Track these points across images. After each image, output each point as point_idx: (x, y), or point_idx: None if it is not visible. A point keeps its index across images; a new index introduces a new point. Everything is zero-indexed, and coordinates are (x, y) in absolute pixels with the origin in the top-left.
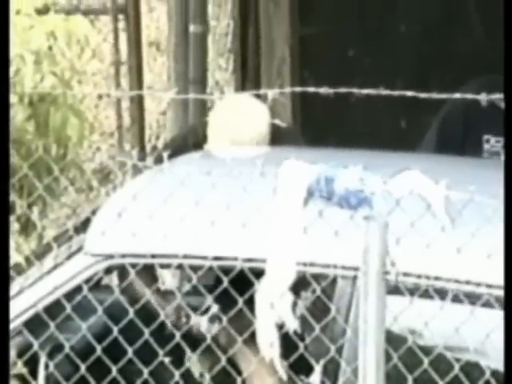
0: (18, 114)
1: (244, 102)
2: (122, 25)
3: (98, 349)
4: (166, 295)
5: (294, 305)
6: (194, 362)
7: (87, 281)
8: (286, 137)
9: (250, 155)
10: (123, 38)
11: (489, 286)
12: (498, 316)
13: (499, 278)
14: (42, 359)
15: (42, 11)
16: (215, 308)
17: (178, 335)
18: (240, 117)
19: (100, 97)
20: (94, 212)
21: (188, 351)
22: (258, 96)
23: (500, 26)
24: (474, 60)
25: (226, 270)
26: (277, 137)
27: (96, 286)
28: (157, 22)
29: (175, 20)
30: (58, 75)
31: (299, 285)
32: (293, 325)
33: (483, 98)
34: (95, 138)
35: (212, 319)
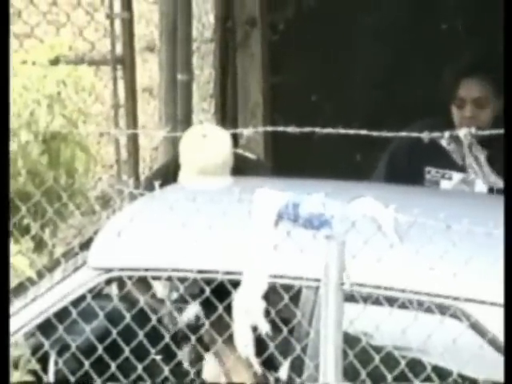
0: (33, 150)
1: (207, 130)
2: (120, 74)
3: (100, 348)
4: (158, 302)
5: (266, 311)
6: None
7: (90, 291)
8: (255, 168)
9: (226, 185)
10: (121, 84)
11: (430, 295)
12: (437, 320)
13: (439, 288)
14: (52, 357)
15: (54, 62)
16: (196, 306)
17: (167, 336)
18: (207, 144)
19: (101, 135)
20: (96, 232)
21: (181, 346)
22: (235, 134)
23: (439, 74)
24: (417, 104)
25: (208, 281)
26: (248, 167)
27: (98, 295)
28: (149, 71)
29: (165, 70)
30: (67, 116)
31: (270, 294)
32: (265, 328)
33: (425, 136)
34: (97, 170)
35: (191, 313)
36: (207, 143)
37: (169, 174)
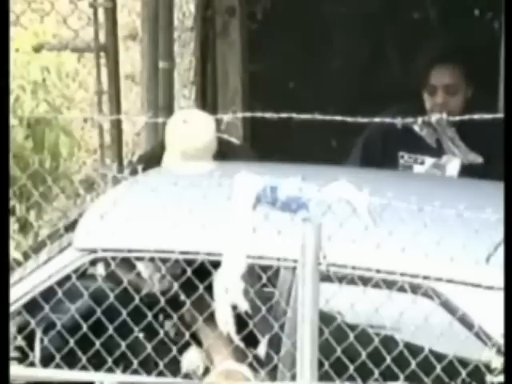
0: (18, 134)
1: (190, 115)
2: (103, 61)
3: (84, 326)
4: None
5: (245, 290)
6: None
7: (75, 271)
8: (239, 152)
9: (208, 170)
10: (104, 71)
11: (403, 274)
12: (409, 299)
13: (411, 268)
14: (38, 335)
15: (38, 49)
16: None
17: (149, 315)
18: (188, 128)
19: (85, 120)
20: (80, 215)
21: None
22: (216, 119)
23: (412, 62)
24: (391, 91)
25: (190, 262)
26: (231, 152)
27: (82, 275)
28: (132, 59)
29: (147, 57)
30: (51, 102)
31: (249, 274)
32: (244, 306)
33: (398, 121)
34: (82, 154)
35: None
36: (189, 128)
37: (154, 158)
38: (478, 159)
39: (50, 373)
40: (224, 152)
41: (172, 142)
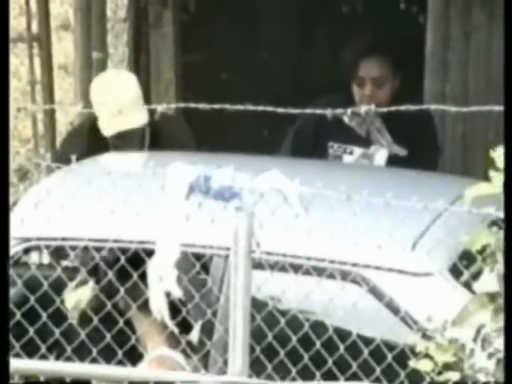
0: None
1: (113, 73)
2: (36, 51)
3: (18, 314)
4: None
5: (179, 278)
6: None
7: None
8: (172, 122)
9: (140, 159)
10: (37, 62)
11: (332, 262)
12: (339, 285)
13: (341, 255)
14: None
15: None
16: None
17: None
18: (115, 83)
19: (19, 110)
20: (14, 204)
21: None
22: (149, 110)
23: (340, 54)
24: (321, 82)
25: (124, 251)
26: (165, 122)
27: (16, 263)
28: (65, 49)
29: (80, 48)
30: None
31: (182, 261)
32: (177, 293)
33: (328, 112)
34: (15, 144)
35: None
36: (117, 83)
37: (80, 135)
38: (402, 152)
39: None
40: (158, 122)
41: (103, 101)
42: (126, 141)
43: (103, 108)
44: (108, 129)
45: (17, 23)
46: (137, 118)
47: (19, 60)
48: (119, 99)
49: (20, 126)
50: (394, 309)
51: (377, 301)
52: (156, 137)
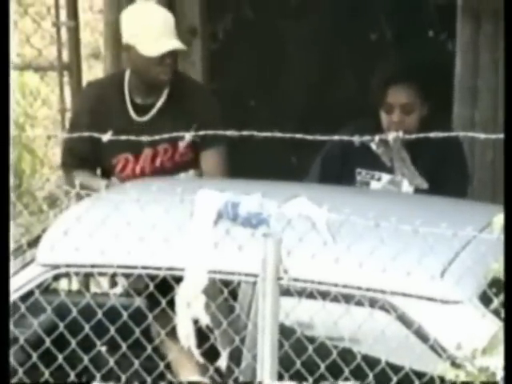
0: None
1: (144, 3)
2: (66, 79)
3: (47, 341)
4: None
5: (207, 304)
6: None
7: (38, 286)
8: (198, 89)
9: (168, 186)
10: (67, 89)
11: (360, 289)
12: (367, 312)
13: (368, 283)
14: None
15: None
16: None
17: (112, 329)
18: (149, 10)
19: (49, 138)
20: (44, 230)
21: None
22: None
23: (367, 80)
24: (348, 108)
25: (152, 277)
26: (190, 87)
27: (45, 290)
28: (95, 77)
29: None
30: (14, 120)
31: (210, 288)
32: (205, 320)
33: (356, 139)
34: (45, 171)
35: None
36: (152, 9)
37: (81, 125)
38: (423, 185)
39: None
40: (185, 86)
41: (144, 25)
42: (167, 65)
43: (144, 32)
44: (154, 50)
45: (48, 52)
46: (175, 42)
47: (50, 88)
48: (159, 22)
49: (50, 154)
50: (422, 336)
51: (405, 328)
52: (176, 94)
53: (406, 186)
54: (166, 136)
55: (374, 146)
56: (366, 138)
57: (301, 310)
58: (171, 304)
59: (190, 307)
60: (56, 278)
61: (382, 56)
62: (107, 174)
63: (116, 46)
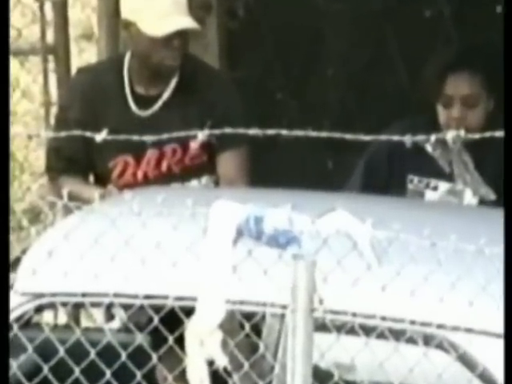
0: None
1: None
2: (51, 65)
3: None
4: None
5: (224, 342)
6: None
7: (17, 319)
8: (213, 75)
9: (177, 196)
10: (53, 78)
11: (412, 323)
12: (420, 352)
13: (422, 315)
14: None
15: None
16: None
17: (108, 373)
18: None
19: (30, 137)
20: (24, 251)
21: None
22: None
23: (421, 67)
24: (397, 102)
25: (157, 309)
26: (204, 72)
27: (26, 324)
28: (87, 62)
29: None
30: None
31: (228, 322)
32: (222, 361)
33: (408, 139)
34: (25, 178)
35: None
36: None
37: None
38: (489, 195)
39: None
40: (197, 74)
41: (144, 1)
42: (175, 48)
43: (148, 7)
44: (159, 29)
45: (29, 33)
46: (186, 20)
47: (31, 77)
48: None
49: (32, 157)
50: (488, 381)
51: (468, 371)
52: (188, 81)
53: (469, 197)
54: (173, 134)
55: (429, 148)
56: (420, 137)
57: (339, 349)
58: (180, 341)
59: (204, 345)
60: (39, 309)
61: (439, 37)
62: (102, 180)
63: (112, 25)
